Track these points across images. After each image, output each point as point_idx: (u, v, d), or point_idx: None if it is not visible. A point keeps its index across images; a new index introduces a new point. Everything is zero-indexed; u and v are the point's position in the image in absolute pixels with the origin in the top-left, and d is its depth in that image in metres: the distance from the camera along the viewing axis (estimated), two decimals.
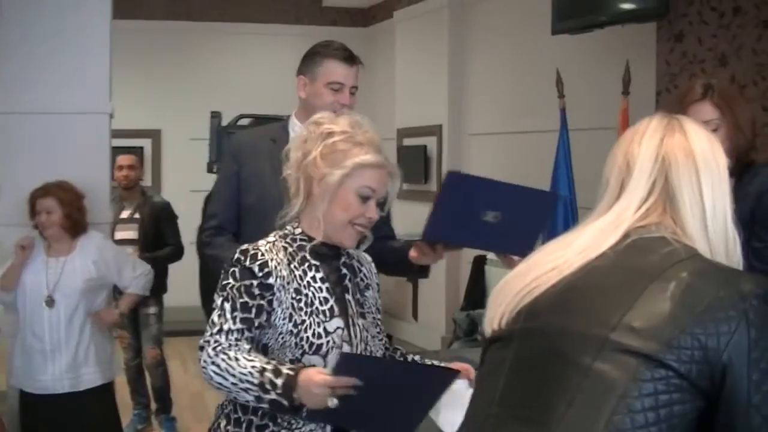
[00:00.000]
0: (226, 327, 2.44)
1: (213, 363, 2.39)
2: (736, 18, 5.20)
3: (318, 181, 2.54)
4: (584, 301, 1.69)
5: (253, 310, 2.46)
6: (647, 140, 1.82)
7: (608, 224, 1.78)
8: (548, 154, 6.22)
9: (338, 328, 2.56)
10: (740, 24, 5.17)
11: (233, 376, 2.37)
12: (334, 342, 2.53)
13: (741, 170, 3.10)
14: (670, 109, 3.04)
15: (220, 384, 2.39)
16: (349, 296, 2.65)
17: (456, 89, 8.50)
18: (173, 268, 6.77)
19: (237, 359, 2.38)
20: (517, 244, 2.88)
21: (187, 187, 8.95)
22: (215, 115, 7.12)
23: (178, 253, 6.70)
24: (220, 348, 2.41)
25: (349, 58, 3.54)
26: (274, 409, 2.36)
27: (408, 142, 9.17)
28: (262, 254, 2.50)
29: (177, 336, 8.10)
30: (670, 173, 1.77)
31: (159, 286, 6.17)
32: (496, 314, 1.81)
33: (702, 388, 1.57)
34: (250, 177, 3.56)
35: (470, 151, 8.40)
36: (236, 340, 2.42)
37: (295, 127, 3.62)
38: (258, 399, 2.34)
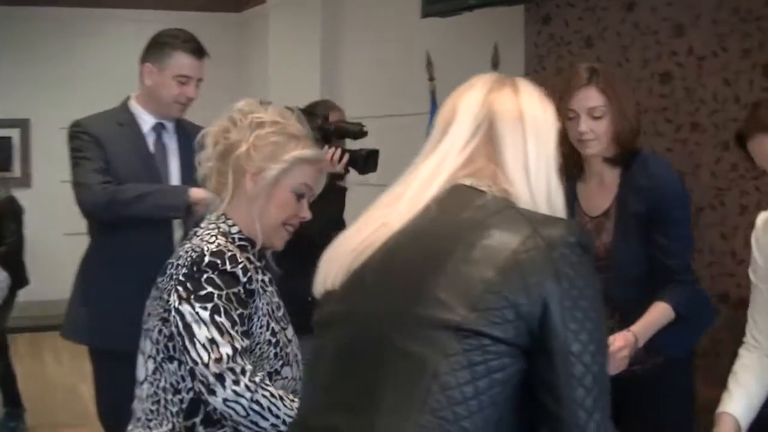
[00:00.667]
0: (237, 346, 2.17)
1: (253, 399, 2.12)
2: (600, 1, 5.30)
3: (252, 175, 2.35)
4: (401, 273, 1.63)
5: (246, 321, 2.23)
6: (476, 91, 1.80)
7: (433, 170, 1.73)
8: (420, 136, 6.24)
9: (293, 334, 2.42)
10: (605, 7, 5.27)
11: (276, 417, 2.15)
12: (293, 350, 2.38)
13: (627, 158, 3.09)
14: (552, 94, 3.08)
15: (253, 423, 2.14)
16: (278, 300, 2.46)
17: (329, 73, 8.48)
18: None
19: (281, 398, 2.17)
20: None
21: (57, 177, 8.75)
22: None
23: (12, 252, 6.50)
24: (258, 380, 2.15)
25: (198, 51, 3.56)
26: None
27: None
28: (239, 256, 2.27)
29: (51, 330, 7.94)
30: (495, 119, 1.75)
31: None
32: (329, 274, 1.74)
33: (523, 347, 1.53)
34: (111, 159, 3.50)
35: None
36: (251, 362, 2.18)
37: (141, 114, 3.59)
38: None
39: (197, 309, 2.18)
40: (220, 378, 2.13)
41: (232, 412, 2.15)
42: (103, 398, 3.61)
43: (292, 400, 2.19)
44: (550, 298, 1.52)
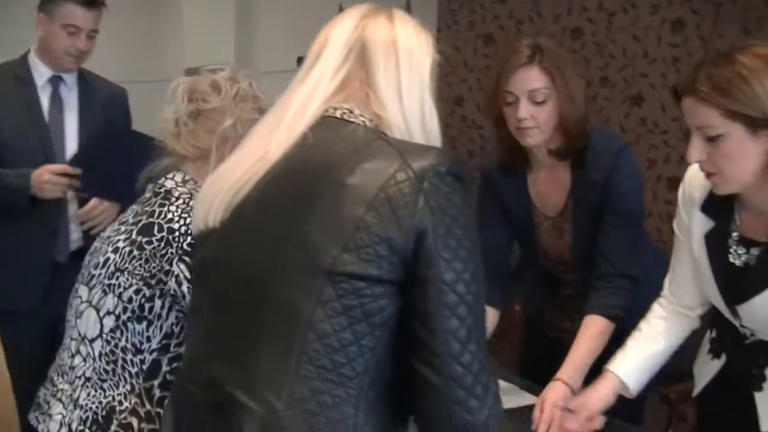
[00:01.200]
0: None
1: None
2: None
3: (232, 147, 2.18)
4: (275, 213, 1.59)
5: None
6: (349, 18, 1.75)
7: (307, 96, 1.67)
8: None
9: None
10: None
11: None
12: None
13: (575, 152, 2.70)
14: (491, 74, 2.77)
15: None
16: None
17: (244, 26, 8.40)
18: None
19: None
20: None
21: None
22: None
23: None
24: None
25: (89, 2, 3.46)
26: None
27: None
28: None
29: None
30: (367, 44, 1.69)
31: None
32: (210, 210, 1.67)
33: (398, 282, 1.50)
34: None
35: (258, 86, 8.34)
36: None
37: (37, 66, 3.53)
38: None
39: None
40: None
41: None
42: (11, 356, 3.58)
43: None
44: (422, 229, 1.48)
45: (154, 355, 2.21)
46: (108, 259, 2.29)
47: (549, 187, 2.82)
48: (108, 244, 2.32)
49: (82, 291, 2.33)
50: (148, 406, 2.19)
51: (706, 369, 2.39)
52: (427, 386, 1.51)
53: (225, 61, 8.58)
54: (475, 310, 1.51)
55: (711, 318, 2.38)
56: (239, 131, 2.26)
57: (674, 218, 2.38)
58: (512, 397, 2.66)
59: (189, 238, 2.17)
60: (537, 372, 2.65)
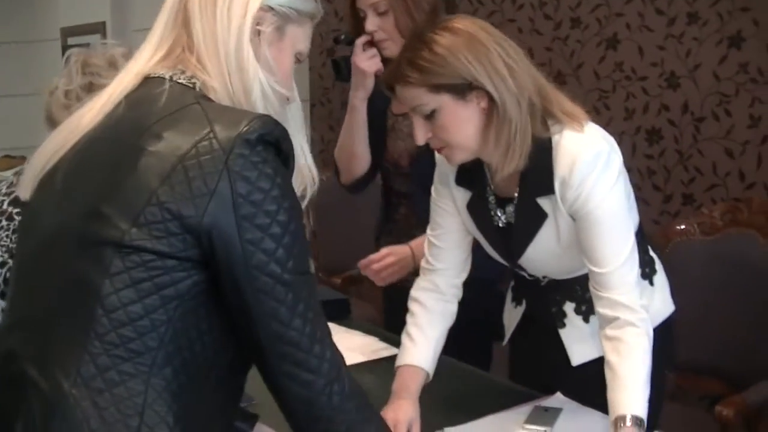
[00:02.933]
0: None
1: None
2: None
3: None
4: (78, 182, 1.51)
5: None
6: None
7: (131, 64, 1.63)
8: None
9: None
10: None
11: None
12: None
13: None
14: None
15: None
16: None
17: None
18: None
19: None
20: None
21: None
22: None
23: None
24: None
25: None
26: None
27: (72, 41, 8.86)
28: None
29: None
30: (188, 3, 1.60)
31: None
32: (33, 177, 1.60)
33: (195, 259, 1.40)
34: None
35: (135, 46, 8.23)
36: None
37: None
38: None
39: None
40: None
41: None
42: None
43: None
44: (220, 208, 1.38)
45: None
46: None
47: None
48: None
49: None
50: None
51: (512, 317, 2.46)
52: (260, 366, 1.49)
53: (100, 20, 8.52)
54: (297, 287, 1.44)
55: (509, 269, 2.37)
56: None
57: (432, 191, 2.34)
58: (374, 350, 2.69)
59: None
60: (397, 323, 2.44)
